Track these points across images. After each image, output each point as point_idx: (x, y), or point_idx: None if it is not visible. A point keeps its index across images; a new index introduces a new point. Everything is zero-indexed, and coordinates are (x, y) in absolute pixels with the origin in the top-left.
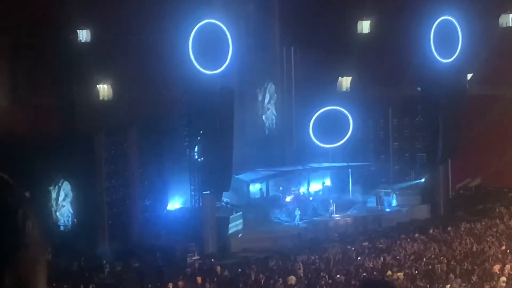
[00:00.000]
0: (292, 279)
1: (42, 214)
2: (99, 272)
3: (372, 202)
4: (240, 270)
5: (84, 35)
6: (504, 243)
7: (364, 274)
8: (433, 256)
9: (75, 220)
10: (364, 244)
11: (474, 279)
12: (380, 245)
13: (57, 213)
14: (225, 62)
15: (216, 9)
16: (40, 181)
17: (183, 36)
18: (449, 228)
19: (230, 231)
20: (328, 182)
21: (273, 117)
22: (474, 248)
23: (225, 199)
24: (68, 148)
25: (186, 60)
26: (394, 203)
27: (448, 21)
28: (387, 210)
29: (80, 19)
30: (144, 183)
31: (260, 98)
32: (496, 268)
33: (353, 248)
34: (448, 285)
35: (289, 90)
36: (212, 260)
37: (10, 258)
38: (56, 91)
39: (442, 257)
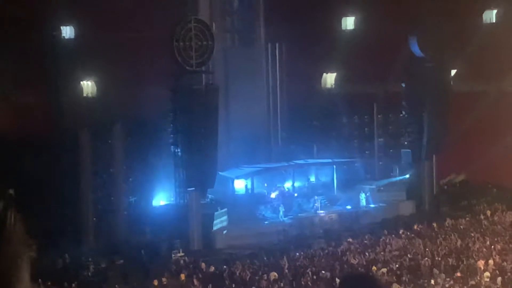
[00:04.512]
0: (274, 275)
1: (27, 211)
2: (83, 269)
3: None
4: (225, 266)
5: (67, 31)
6: (488, 238)
7: (349, 269)
8: (417, 251)
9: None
10: (349, 240)
11: (458, 274)
12: (365, 241)
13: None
14: (210, 59)
15: (201, 5)
16: (23, 178)
17: (168, 33)
18: (433, 224)
19: (215, 228)
20: (312, 178)
21: None
22: (459, 243)
23: (210, 196)
24: (52, 145)
25: (171, 57)
26: (363, 202)
27: (431, 18)
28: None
29: (63, 16)
30: (129, 180)
31: None
32: (480, 263)
33: (338, 244)
34: (433, 281)
35: (274, 86)
36: (195, 258)
37: None
38: (39, 88)
39: (427, 252)
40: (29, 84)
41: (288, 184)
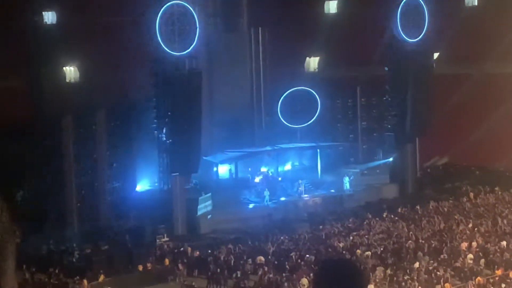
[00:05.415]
0: (260, 259)
1: (10, 198)
2: (68, 255)
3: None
4: (210, 251)
5: (49, 17)
6: (471, 220)
7: (334, 253)
8: (401, 234)
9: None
10: (333, 223)
11: (442, 256)
12: (349, 225)
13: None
14: (193, 43)
15: None
16: (6, 164)
17: (151, 18)
18: (417, 207)
19: (199, 213)
20: (297, 162)
21: None
22: (442, 226)
23: (194, 181)
24: (35, 131)
25: (154, 42)
26: (347, 186)
27: (414, 1)
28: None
29: (45, 1)
30: (112, 165)
31: None
32: (464, 245)
33: (322, 228)
34: (417, 263)
35: (258, 71)
36: (180, 243)
37: None
38: (22, 74)
39: (410, 235)
40: (11, 70)
41: (272, 169)
